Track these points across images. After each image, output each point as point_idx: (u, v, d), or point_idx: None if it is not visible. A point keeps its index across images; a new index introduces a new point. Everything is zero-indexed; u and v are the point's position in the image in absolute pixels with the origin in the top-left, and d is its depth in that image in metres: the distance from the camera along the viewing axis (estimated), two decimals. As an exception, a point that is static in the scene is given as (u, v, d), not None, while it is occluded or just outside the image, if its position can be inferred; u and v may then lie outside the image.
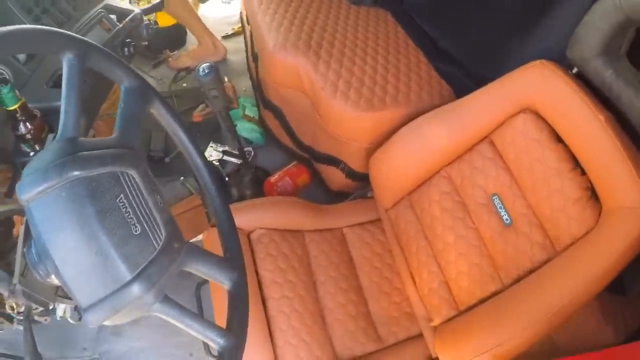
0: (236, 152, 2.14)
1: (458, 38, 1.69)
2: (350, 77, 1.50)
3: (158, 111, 0.85)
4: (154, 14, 2.64)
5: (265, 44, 1.61)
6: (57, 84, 1.26)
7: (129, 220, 0.63)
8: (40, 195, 0.59)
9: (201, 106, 2.37)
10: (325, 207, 1.56)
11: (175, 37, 2.83)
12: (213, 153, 2.15)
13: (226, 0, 3.27)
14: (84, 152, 0.64)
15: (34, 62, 1.31)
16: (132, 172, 0.68)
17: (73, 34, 0.71)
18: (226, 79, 2.48)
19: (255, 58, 1.89)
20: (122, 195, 0.65)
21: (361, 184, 1.72)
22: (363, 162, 1.58)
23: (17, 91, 1.08)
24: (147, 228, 0.65)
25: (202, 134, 2.27)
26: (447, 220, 1.29)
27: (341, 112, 1.44)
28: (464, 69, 1.61)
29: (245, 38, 2.31)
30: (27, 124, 1.12)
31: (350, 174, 1.68)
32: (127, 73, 0.79)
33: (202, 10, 3.09)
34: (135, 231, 0.64)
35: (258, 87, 1.96)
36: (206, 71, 1.29)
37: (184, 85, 2.61)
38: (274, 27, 1.64)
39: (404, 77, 1.58)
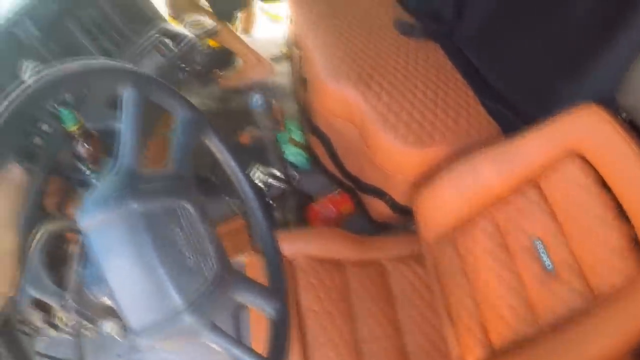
0: (281, 175, 2.17)
1: (506, 74, 1.68)
2: (400, 110, 1.51)
3: (211, 141, 0.91)
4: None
5: (316, 72, 1.64)
6: (114, 105, 1.30)
7: (183, 251, 0.67)
8: (100, 224, 0.63)
9: (249, 127, 2.42)
10: (368, 238, 1.57)
11: (224, 57, 2.90)
12: (259, 175, 2.18)
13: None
14: (143, 186, 0.67)
15: None
16: (188, 205, 0.71)
17: (134, 68, 0.75)
18: (274, 101, 2.52)
19: (303, 82, 1.91)
20: (177, 228, 0.68)
21: (404, 217, 1.72)
22: (408, 196, 1.58)
23: (76, 112, 1.12)
24: (200, 259, 0.69)
25: (249, 155, 2.30)
26: (488, 261, 1.27)
27: (389, 145, 1.46)
28: (511, 108, 1.59)
29: (292, 61, 2.34)
30: (85, 144, 1.15)
31: (395, 206, 1.69)
32: (182, 104, 0.84)
33: (255, 34, 3.16)
34: (189, 262, 0.67)
35: (305, 112, 2.00)
36: (259, 102, 1.33)
37: (232, 104, 2.67)
38: (326, 54, 1.67)
39: (452, 112, 1.58)
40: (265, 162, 2.25)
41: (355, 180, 1.81)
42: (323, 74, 1.61)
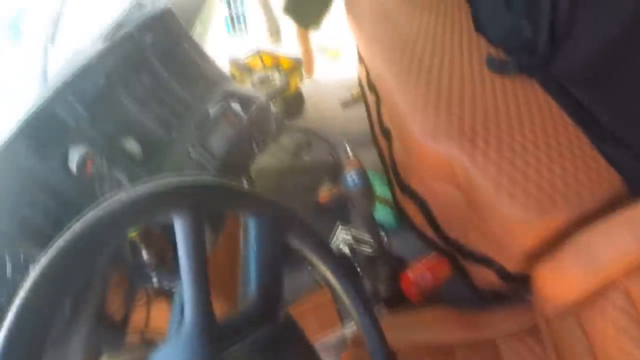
0: (367, 237, 1.99)
1: (627, 113, 1.42)
2: (512, 169, 1.28)
3: (299, 240, 0.71)
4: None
5: (407, 127, 1.44)
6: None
7: None
8: None
9: (327, 184, 2.26)
10: (477, 314, 1.38)
11: (294, 105, 2.78)
12: (343, 238, 2.01)
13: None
14: (225, 350, 0.52)
15: (152, 164, 1.21)
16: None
17: (182, 187, 0.57)
18: (350, 152, 2.35)
19: (386, 133, 1.73)
20: None
21: (515, 285, 1.47)
22: (523, 265, 1.35)
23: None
24: None
25: (329, 215, 2.14)
26: (620, 340, 1.07)
27: (505, 214, 1.22)
28: (634, 152, 1.33)
29: (367, 106, 2.16)
30: (147, 251, 1.03)
31: (505, 275, 1.44)
32: (256, 202, 0.65)
33: (320, 77, 3.03)
34: None
35: (392, 167, 1.80)
36: (356, 181, 1.16)
37: (305, 158, 2.52)
38: (415, 104, 1.46)
39: (570, 166, 1.33)
40: (347, 221, 2.09)
41: (456, 246, 1.58)
42: (417, 131, 1.40)
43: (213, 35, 2.71)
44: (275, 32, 3.06)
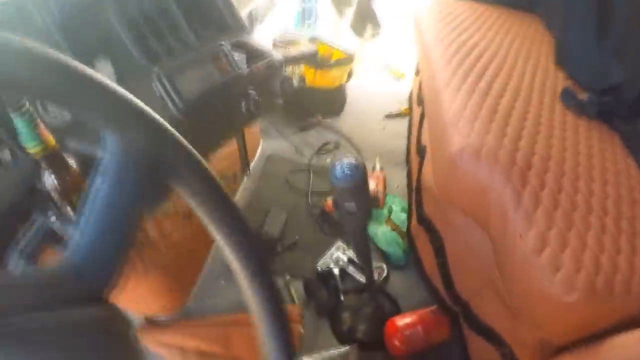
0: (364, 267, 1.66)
1: None
2: (567, 229, 0.92)
3: (188, 188, 0.42)
4: (302, 68, 2.33)
5: (447, 139, 1.11)
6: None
7: None
8: None
9: (339, 192, 1.95)
10: None
11: (332, 102, 2.49)
12: (337, 257, 1.68)
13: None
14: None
15: None
16: None
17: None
18: (378, 167, 2.04)
19: (421, 151, 1.41)
20: None
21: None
22: (539, 356, 0.99)
23: (44, 130, 0.74)
24: None
25: (332, 227, 1.82)
26: None
27: (542, 284, 0.86)
28: None
29: (410, 123, 1.86)
30: (52, 177, 0.77)
31: (513, 365, 1.09)
32: (119, 104, 0.36)
33: (372, 86, 2.76)
34: None
35: (416, 191, 1.48)
36: (347, 172, 0.84)
37: (328, 161, 2.21)
38: (465, 116, 1.14)
39: (642, 245, 0.98)
40: (349, 240, 1.77)
41: (464, 308, 1.23)
42: (456, 143, 1.06)
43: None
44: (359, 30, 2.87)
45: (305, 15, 3.23)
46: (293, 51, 2.13)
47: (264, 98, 1.13)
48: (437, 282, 1.33)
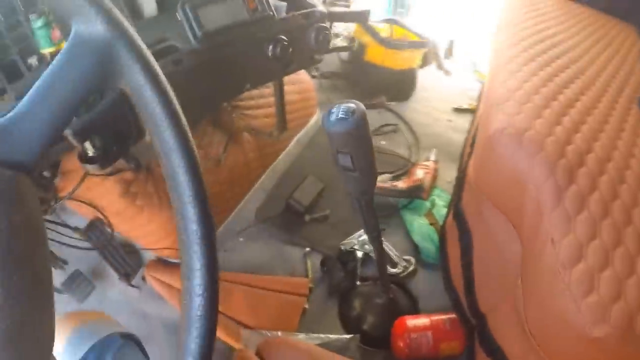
0: (396, 257, 1.53)
1: None
2: (612, 245, 0.74)
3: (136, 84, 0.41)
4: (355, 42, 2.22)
5: (489, 122, 0.96)
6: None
7: None
8: None
9: (385, 176, 1.81)
10: None
11: (400, 85, 2.34)
12: (364, 240, 1.56)
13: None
14: None
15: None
16: None
17: None
18: (433, 157, 1.88)
19: (474, 143, 1.27)
20: None
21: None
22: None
23: (58, 28, 0.78)
24: None
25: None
26: None
27: (566, 307, 0.70)
28: None
29: (474, 116, 1.72)
30: None
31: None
32: None
33: (446, 77, 2.59)
34: None
35: (458, 183, 1.33)
36: (340, 115, 0.71)
37: (382, 143, 2.07)
38: (515, 99, 0.98)
39: None
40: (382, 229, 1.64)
41: (481, 320, 1.06)
42: (499, 121, 0.91)
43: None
44: None
45: (398, 4, 3.10)
46: (340, 7, 2.01)
47: (297, 49, 1.02)
48: (459, 286, 1.17)
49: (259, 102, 1.55)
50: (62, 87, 0.39)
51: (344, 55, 2.35)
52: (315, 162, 1.88)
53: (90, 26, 0.39)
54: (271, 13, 0.97)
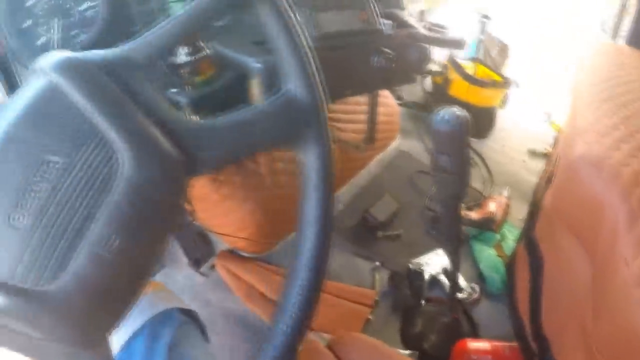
0: (468, 287, 1.56)
1: None
2: None
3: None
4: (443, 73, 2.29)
5: (570, 150, 1.02)
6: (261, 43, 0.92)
7: None
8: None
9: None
10: None
11: (479, 122, 2.38)
12: (433, 261, 1.61)
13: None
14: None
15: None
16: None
17: None
18: (506, 194, 1.91)
19: (549, 180, 1.31)
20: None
21: None
22: None
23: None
24: None
25: (439, 234, 1.75)
26: None
27: (638, 322, 0.75)
28: None
29: (548, 158, 1.76)
30: (185, 54, 0.83)
31: None
32: None
33: (525, 121, 2.64)
34: None
35: (531, 215, 1.37)
36: (446, 117, 0.79)
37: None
38: (595, 131, 1.04)
39: None
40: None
41: (544, 345, 1.09)
42: (580, 150, 0.97)
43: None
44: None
45: (478, 47, 3.17)
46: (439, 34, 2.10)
47: (399, 65, 1.11)
48: (525, 314, 1.20)
49: (350, 116, 1.64)
50: (258, 129, 0.45)
51: (428, 86, 2.44)
52: (393, 184, 1.96)
53: (300, 91, 0.47)
54: (380, 27, 1.06)
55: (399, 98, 2.42)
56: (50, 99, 0.36)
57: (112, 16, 0.88)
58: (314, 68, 0.48)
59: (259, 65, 0.87)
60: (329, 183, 0.49)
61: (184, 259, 1.52)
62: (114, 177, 0.36)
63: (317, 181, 0.48)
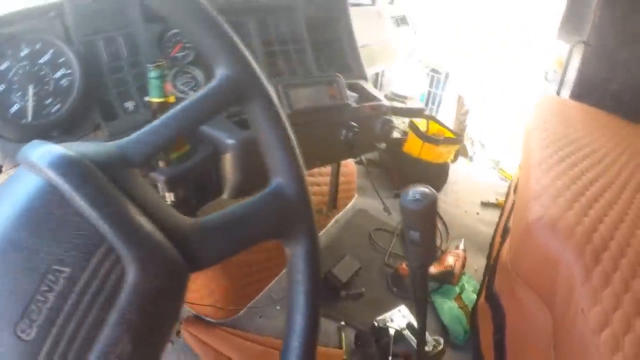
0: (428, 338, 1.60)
1: None
2: (635, 314, 0.84)
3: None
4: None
5: (526, 213, 1.11)
6: (241, 125, 0.97)
7: None
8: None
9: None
10: None
11: (433, 178, 2.48)
12: (397, 318, 1.64)
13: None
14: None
15: None
16: None
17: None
18: (462, 247, 1.98)
19: (505, 233, 1.39)
20: None
21: None
22: None
23: (170, 84, 0.90)
24: None
25: (401, 290, 1.80)
26: None
27: None
28: None
29: (502, 210, 1.84)
30: None
31: None
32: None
33: (475, 174, 2.76)
34: None
35: (490, 270, 1.43)
36: (416, 196, 0.84)
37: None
38: (549, 194, 1.13)
39: None
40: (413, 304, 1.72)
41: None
42: (534, 215, 1.06)
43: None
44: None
45: (430, 100, 3.35)
46: (401, 104, 2.21)
47: (364, 136, 1.19)
48: (491, 363, 1.25)
49: (314, 179, 1.70)
50: (249, 225, 0.45)
51: (382, 144, 2.54)
52: (352, 243, 2.00)
53: (288, 187, 0.47)
54: (347, 102, 1.13)
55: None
56: (50, 201, 0.35)
57: (87, 86, 0.90)
58: (301, 163, 0.49)
59: (232, 141, 0.90)
60: (317, 273, 0.48)
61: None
62: (121, 284, 0.35)
63: (305, 273, 0.48)
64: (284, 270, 1.75)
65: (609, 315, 0.83)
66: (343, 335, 1.61)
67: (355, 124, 1.15)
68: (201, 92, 0.44)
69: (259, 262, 1.55)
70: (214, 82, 0.44)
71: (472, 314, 1.51)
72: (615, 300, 0.86)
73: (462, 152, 2.72)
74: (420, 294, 1.14)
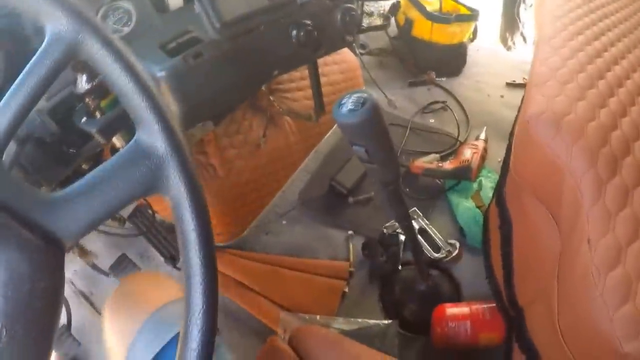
0: (438, 238, 1.50)
1: None
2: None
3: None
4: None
5: (527, 106, 0.91)
6: (176, 52, 0.84)
7: None
8: None
9: (433, 156, 1.76)
10: None
11: (449, 61, 2.25)
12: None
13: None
14: None
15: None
16: None
17: None
18: (483, 136, 1.81)
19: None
20: None
21: None
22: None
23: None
24: None
25: (414, 190, 1.68)
26: None
27: (598, 316, 0.64)
28: None
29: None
30: (85, 81, 0.78)
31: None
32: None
33: (498, 51, 2.48)
34: None
35: (504, 166, 1.28)
36: (350, 106, 0.69)
37: (431, 121, 2.02)
38: (557, 78, 0.91)
39: None
40: (429, 210, 1.61)
41: (519, 314, 1.02)
42: (534, 107, 0.85)
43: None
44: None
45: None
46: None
47: (324, 32, 1.00)
48: (499, 276, 1.14)
49: (299, 84, 1.54)
50: (110, 187, 0.42)
51: (392, 31, 2.29)
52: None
53: (152, 138, 0.43)
54: None
55: (362, 47, 2.29)
56: None
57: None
58: (164, 107, 0.44)
59: (162, 73, 0.79)
60: (204, 214, 0.44)
61: (159, 258, 1.47)
62: None
63: (190, 216, 0.44)
64: (288, 182, 1.68)
65: (622, 250, 0.66)
66: (351, 245, 1.53)
67: (306, 21, 0.97)
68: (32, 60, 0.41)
69: (254, 179, 1.45)
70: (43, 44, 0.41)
71: (485, 218, 1.37)
72: (632, 228, 0.68)
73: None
74: (399, 214, 1.02)
